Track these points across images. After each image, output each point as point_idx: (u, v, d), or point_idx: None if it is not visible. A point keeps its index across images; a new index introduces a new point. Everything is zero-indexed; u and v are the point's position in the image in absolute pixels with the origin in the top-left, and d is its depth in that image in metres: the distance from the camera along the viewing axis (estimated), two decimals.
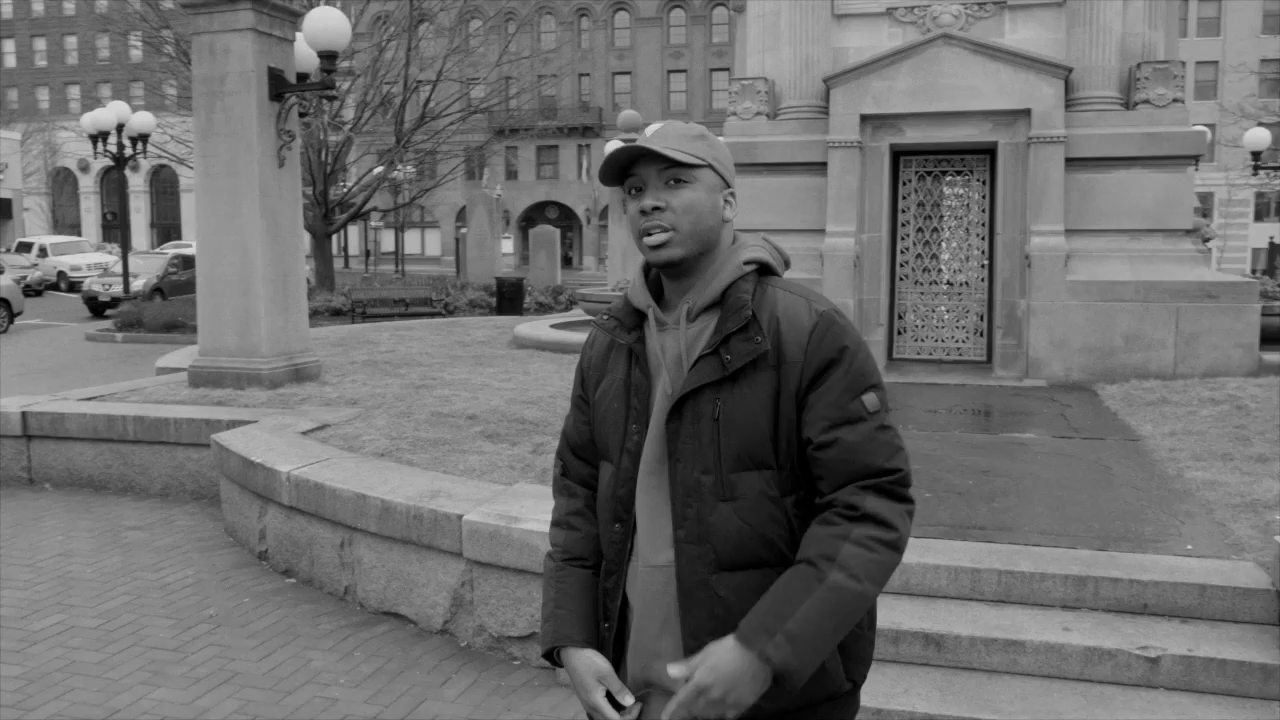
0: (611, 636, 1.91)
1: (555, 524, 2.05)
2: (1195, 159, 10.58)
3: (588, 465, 2.01)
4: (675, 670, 1.69)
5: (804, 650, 1.65)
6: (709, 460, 1.77)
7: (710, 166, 1.83)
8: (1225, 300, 9.89)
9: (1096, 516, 5.40)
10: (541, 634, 1.98)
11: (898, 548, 1.72)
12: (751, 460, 1.77)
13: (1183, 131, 10.37)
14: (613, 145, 15.89)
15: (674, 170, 1.79)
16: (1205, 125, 11.79)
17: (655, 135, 1.83)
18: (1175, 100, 10.40)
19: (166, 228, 64.78)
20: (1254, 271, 39.33)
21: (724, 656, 1.66)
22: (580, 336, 12.14)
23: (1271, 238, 41.96)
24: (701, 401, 1.77)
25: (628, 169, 1.83)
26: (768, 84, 11.54)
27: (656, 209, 1.78)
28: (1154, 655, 4.09)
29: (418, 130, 26.88)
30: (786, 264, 1.92)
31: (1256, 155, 17.56)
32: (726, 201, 1.86)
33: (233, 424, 7.36)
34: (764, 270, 1.86)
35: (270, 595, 5.66)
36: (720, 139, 1.90)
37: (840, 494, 1.73)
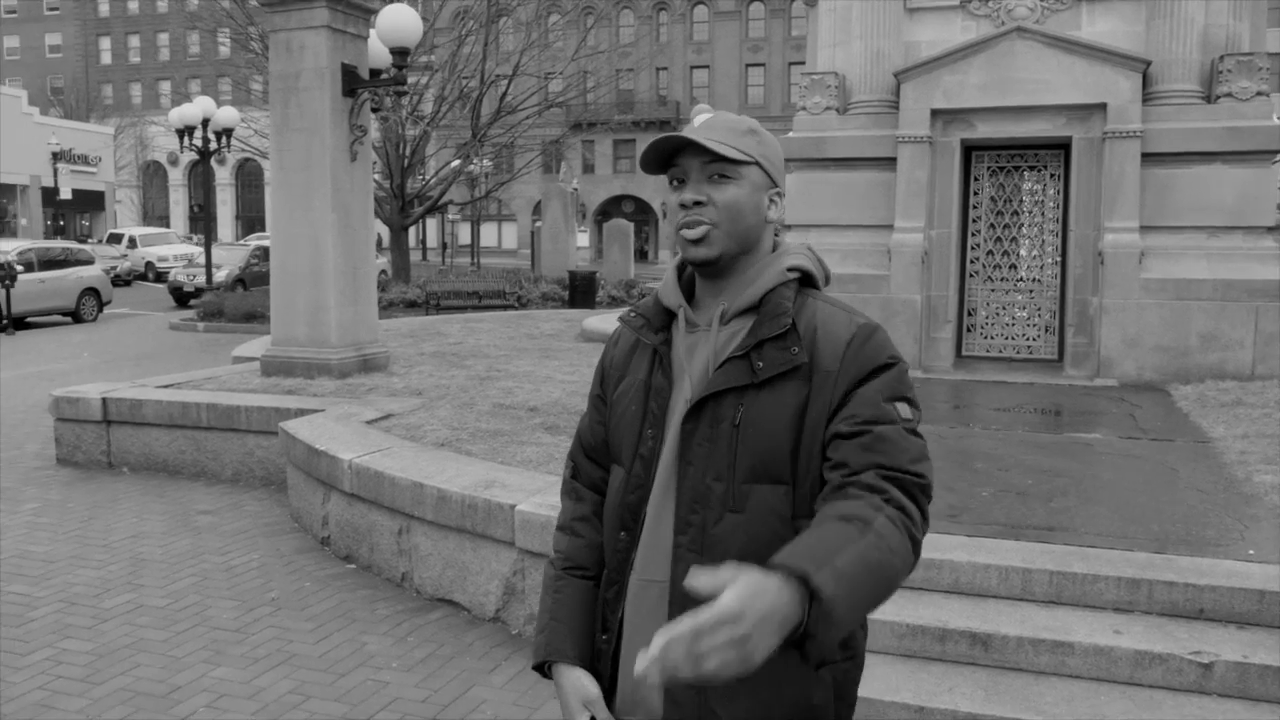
0: (610, 650, 1.80)
1: (560, 528, 1.95)
2: (1278, 153, 10.23)
3: (599, 468, 1.92)
4: (697, 581, 1.30)
5: (849, 595, 1.37)
6: (722, 467, 1.67)
7: (758, 164, 1.74)
8: None
9: (1157, 519, 5.30)
10: (534, 645, 1.87)
11: (918, 552, 1.55)
12: (767, 473, 1.66)
13: (1266, 126, 10.03)
14: None
15: (719, 165, 1.71)
16: None
17: (702, 126, 1.74)
18: (1259, 94, 10.06)
19: (251, 220, 66.56)
20: None
21: (761, 582, 1.30)
22: None
23: None
24: (723, 405, 1.68)
25: (672, 158, 1.74)
26: (838, 78, 11.46)
27: (697, 203, 1.71)
28: (1207, 661, 4.01)
29: (494, 124, 27.17)
30: (827, 278, 1.84)
31: None
32: (772, 201, 1.77)
33: (300, 412, 7.58)
34: (805, 281, 1.78)
35: (330, 580, 5.82)
36: (771, 135, 1.81)
37: (862, 475, 1.56)
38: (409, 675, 4.55)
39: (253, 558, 6.21)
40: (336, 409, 7.51)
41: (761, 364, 1.68)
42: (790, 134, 11.70)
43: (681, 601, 1.58)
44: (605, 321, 13.73)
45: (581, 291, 23.43)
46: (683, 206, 1.72)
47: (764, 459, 1.66)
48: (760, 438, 1.66)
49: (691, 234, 1.71)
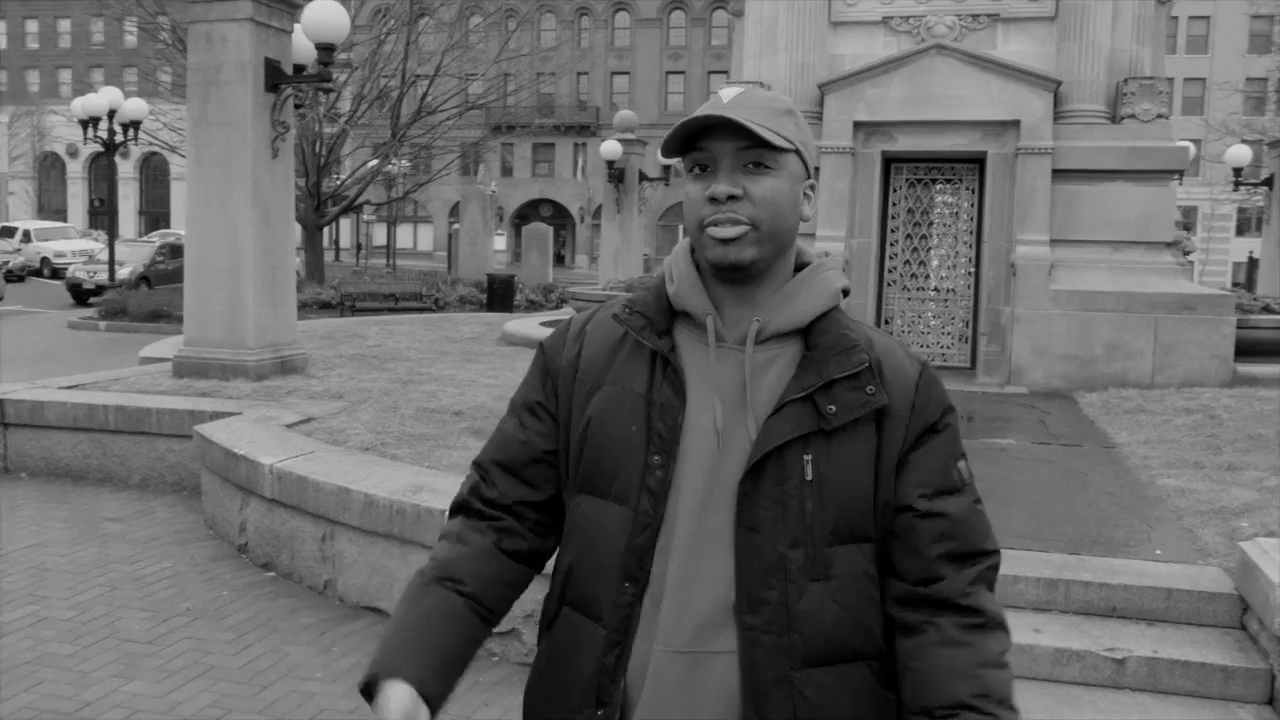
0: None
1: (443, 536, 1.62)
2: (1178, 173, 10.68)
3: (524, 486, 1.60)
4: None
5: None
6: (798, 532, 1.43)
7: (797, 151, 1.49)
8: (1202, 312, 10.00)
9: (1070, 521, 5.48)
10: (370, 662, 1.51)
11: (1008, 631, 1.50)
12: (851, 533, 1.46)
13: (1166, 146, 10.47)
14: (609, 145, 15.85)
15: (758, 151, 1.45)
16: (1191, 141, 11.93)
17: (736, 103, 1.46)
18: (1160, 116, 10.51)
19: (155, 215, 64.60)
20: (1235, 285, 39.65)
21: None
22: None
23: (1251, 252, 42.26)
24: (788, 459, 1.44)
25: (694, 140, 1.48)
26: (764, 89, 11.59)
27: (732, 198, 1.44)
28: (1120, 657, 4.17)
29: (414, 125, 26.89)
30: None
31: (1238, 171, 17.71)
32: (806, 195, 1.53)
33: (216, 415, 7.39)
34: None
35: (249, 588, 5.69)
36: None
37: (949, 588, 1.46)
38: (335, 685, 4.47)
39: (165, 566, 6.02)
40: (255, 412, 7.34)
41: (834, 408, 1.45)
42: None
43: (765, 690, 1.43)
44: (526, 325, 13.68)
45: (500, 295, 23.31)
46: (713, 200, 1.45)
47: (847, 517, 1.46)
48: (840, 493, 1.45)
49: (725, 233, 1.44)
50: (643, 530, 1.46)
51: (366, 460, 5.94)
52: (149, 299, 20.92)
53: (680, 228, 53.06)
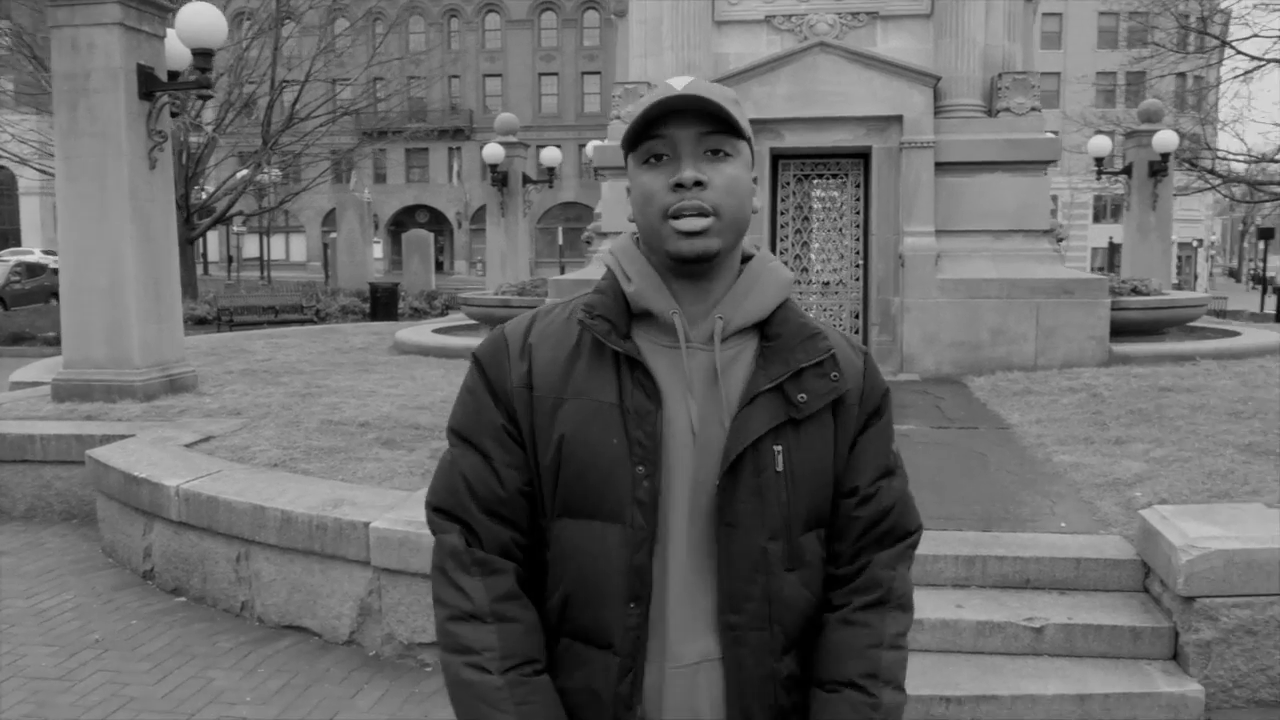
0: None
1: (474, 617, 1.43)
2: (1051, 163, 11.19)
3: (509, 528, 1.48)
4: None
5: None
6: (777, 523, 1.44)
7: (749, 140, 1.47)
8: (1080, 296, 10.50)
9: (978, 500, 5.70)
10: None
11: (911, 607, 1.59)
12: (817, 519, 1.49)
13: (1040, 138, 10.96)
14: (492, 149, 15.67)
15: (719, 138, 1.41)
16: (1051, 132, 12.49)
17: (695, 88, 1.41)
18: (1033, 109, 10.99)
19: (3, 233, 61.27)
20: (1100, 269, 41.70)
21: None
22: (466, 341, 12.07)
23: (1111, 237, 44.52)
24: (762, 450, 1.43)
25: (650, 128, 1.42)
26: (649, 88, 11.70)
27: (698, 184, 1.39)
28: (1038, 625, 4.36)
29: (285, 132, 26.18)
30: None
31: (1099, 161, 18.63)
32: (753, 188, 1.49)
33: (107, 439, 7.07)
34: None
35: (160, 615, 5.47)
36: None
37: (874, 566, 1.52)
38: (266, 708, 4.34)
39: (65, 598, 5.75)
40: (149, 433, 7.06)
41: (804, 396, 1.45)
42: (604, 142, 11.85)
43: (752, 688, 1.45)
44: (418, 333, 13.47)
45: (383, 304, 22.91)
46: (678, 186, 1.39)
47: (816, 503, 1.48)
48: (810, 482, 1.47)
49: (693, 225, 1.39)
50: (640, 546, 1.41)
51: (278, 477, 5.77)
52: (8, 321, 19.89)
53: (560, 229, 52.96)
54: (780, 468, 1.43)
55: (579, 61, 58.38)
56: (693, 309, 1.47)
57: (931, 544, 4.86)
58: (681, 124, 1.40)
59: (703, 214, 1.39)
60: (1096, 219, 53.59)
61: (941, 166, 10.85)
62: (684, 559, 1.43)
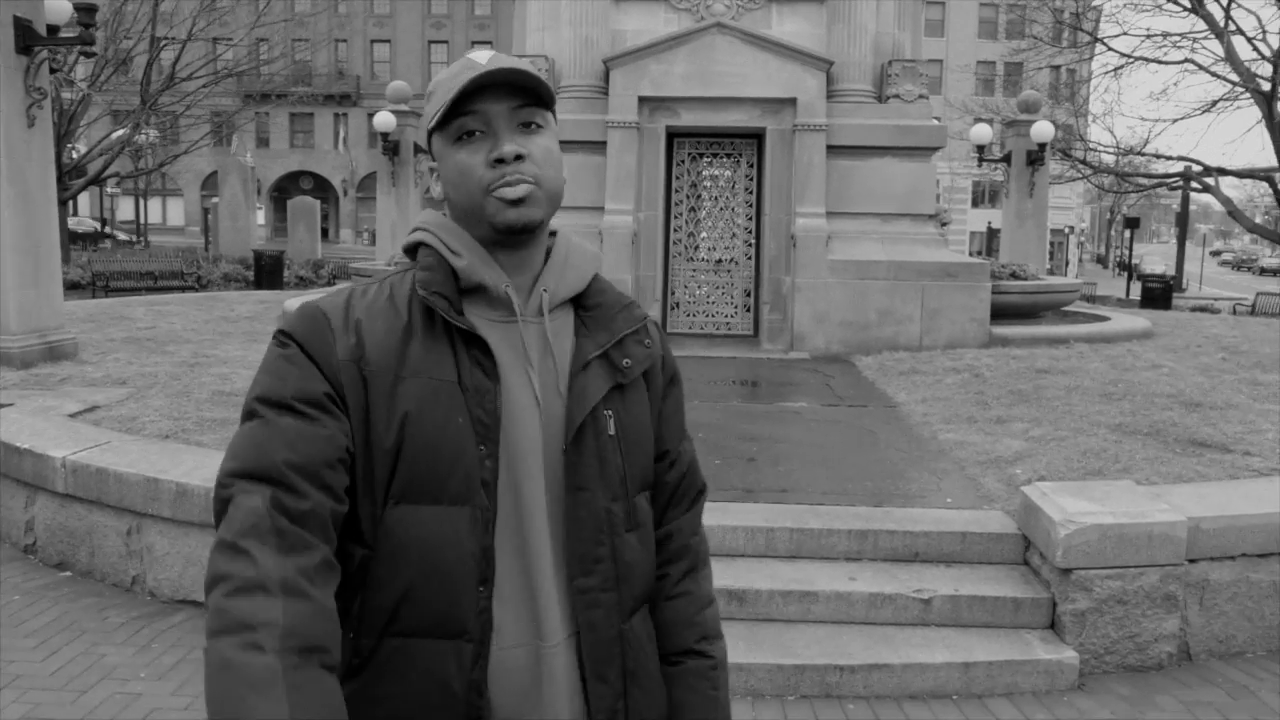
0: None
1: (259, 588, 1.19)
2: (937, 150, 11.57)
3: (333, 499, 1.32)
4: None
5: None
6: (616, 485, 1.48)
7: (553, 111, 1.51)
8: (963, 279, 10.91)
9: (868, 476, 5.92)
10: None
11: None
12: (645, 481, 1.56)
13: (927, 125, 11.32)
14: (383, 117, 15.34)
15: (530, 110, 1.43)
16: (934, 119, 12.91)
17: (500, 61, 1.42)
18: (921, 96, 11.33)
19: None
20: (978, 253, 43.22)
21: None
22: None
23: (989, 222, 46.14)
24: (598, 415, 1.47)
25: (460, 106, 1.42)
26: (548, 62, 11.65)
27: (518, 158, 1.41)
28: (926, 597, 4.58)
29: (165, 92, 25.15)
30: None
31: (980, 149, 19.29)
32: (562, 158, 1.52)
33: None
34: None
35: (44, 590, 5.30)
36: None
37: (683, 530, 1.62)
38: (162, 684, 4.27)
39: None
40: (30, 402, 6.78)
41: (629, 362, 1.51)
42: None
43: (603, 653, 1.46)
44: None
45: (268, 272, 22.28)
46: (499, 162, 1.40)
47: (643, 465, 1.54)
48: (638, 444, 1.53)
49: (515, 192, 1.40)
50: (487, 527, 1.38)
51: (172, 448, 5.64)
52: None
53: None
54: (613, 431, 1.47)
55: (470, 30, 57.47)
56: (516, 281, 1.48)
57: (825, 518, 5.05)
58: (495, 99, 1.40)
59: (526, 182, 1.41)
60: (975, 204, 55.48)
61: (833, 150, 11.12)
62: (528, 535, 1.42)
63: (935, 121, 11.57)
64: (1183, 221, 37.23)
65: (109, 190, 43.65)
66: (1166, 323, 13.80)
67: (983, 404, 7.75)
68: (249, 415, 1.35)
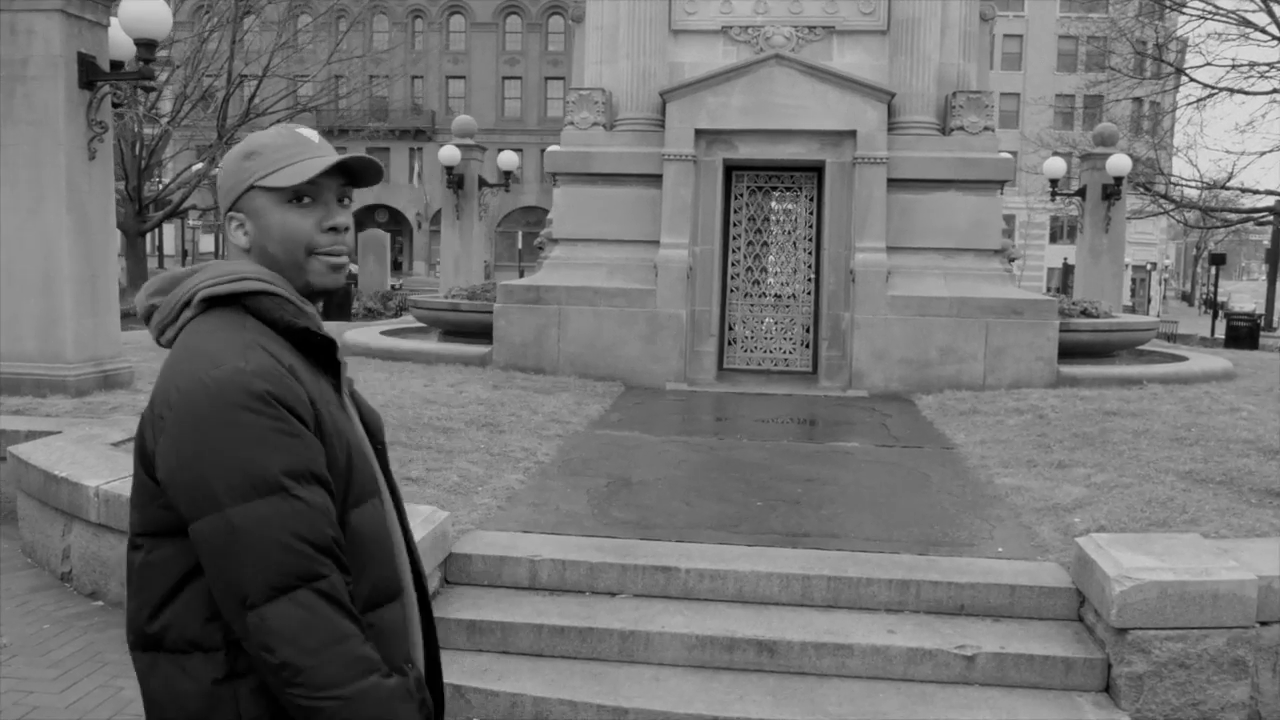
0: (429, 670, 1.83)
1: (360, 633, 1.53)
2: (1004, 183, 11.25)
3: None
4: None
5: None
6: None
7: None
8: (1029, 316, 10.55)
9: (917, 522, 5.65)
10: None
11: None
12: None
13: (993, 158, 11.02)
14: (448, 151, 15.46)
15: (348, 189, 1.69)
16: (1009, 153, 12.59)
17: (327, 146, 1.70)
18: (986, 128, 11.04)
19: None
20: (1053, 290, 42.25)
21: None
22: (414, 344, 11.92)
23: (1065, 258, 45.13)
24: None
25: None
26: (605, 95, 11.62)
27: (347, 228, 1.69)
28: (970, 654, 4.30)
29: (241, 126, 25.81)
30: None
31: (1054, 182, 18.82)
32: None
33: (32, 435, 6.84)
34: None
35: (74, 620, 5.28)
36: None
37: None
38: None
39: None
40: (76, 430, 6.83)
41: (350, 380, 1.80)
42: (557, 148, 11.75)
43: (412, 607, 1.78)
44: (365, 335, 13.23)
45: (337, 303, 22.50)
46: (333, 230, 1.66)
47: None
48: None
49: (340, 260, 1.67)
50: (384, 506, 1.71)
51: None
52: None
53: (520, 233, 52.79)
54: None
55: (543, 66, 58.24)
56: None
57: (865, 566, 4.81)
58: (333, 175, 1.64)
59: (346, 253, 1.69)
60: (1053, 239, 54.32)
61: (894, 183, 10.88)
62: (386, 498, 1.73)
63: (1002, 154, 11.26)
64: (1273, 258, 35.94)
65: (190, 223, 44.91)
66: (1250, 363, 13.21)
67: (1044, 447, 7.42)
68: (287, 487, 1.50)
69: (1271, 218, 25.88)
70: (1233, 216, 27.41)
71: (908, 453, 7.63)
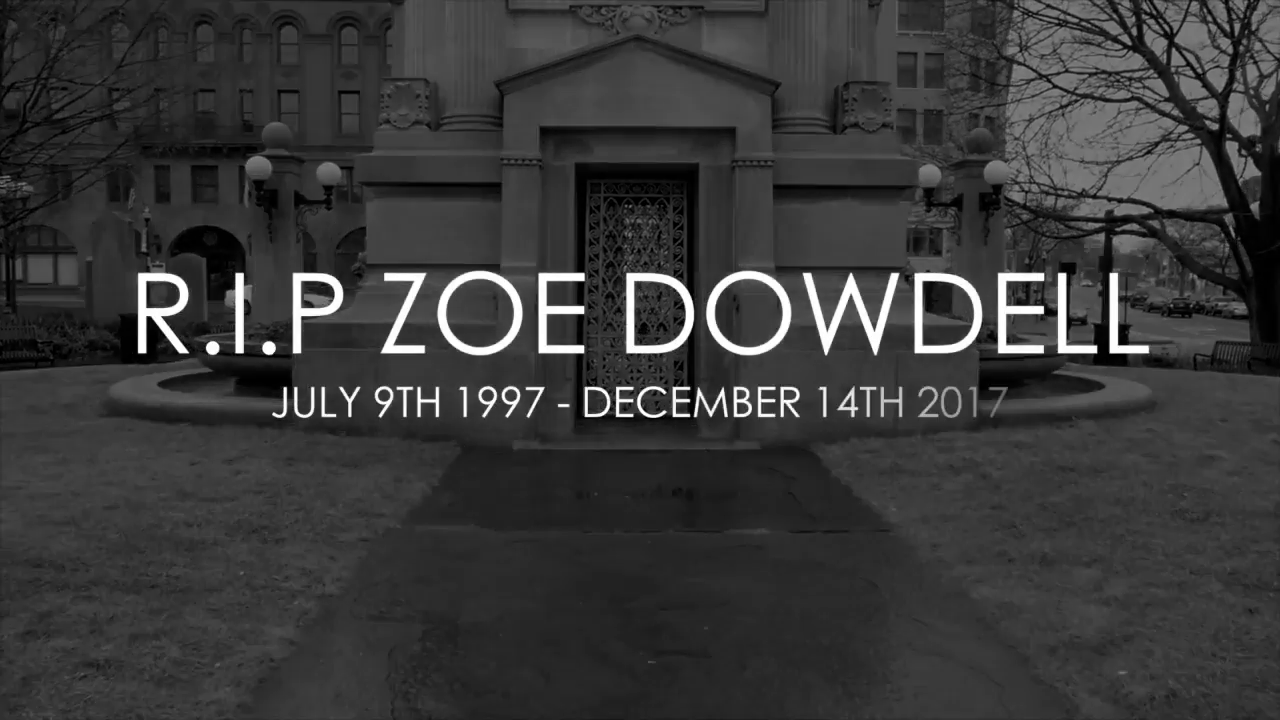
0: None
1: None
2: (905, 189, 9.61)
3: None
4: None
5: None
6: None
7: None
8: (943, 344, 8.87)
9: (881, 691, 3.73)
10: None
11: None
12: None
13: (893, 159, 9.37)
14: (257, 163, 12.70)
15: None
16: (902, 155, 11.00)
17: None
18: (884, 125, 9.38)
19: None
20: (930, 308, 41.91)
21: None
22: (195, 401, 9.52)
23: (927, 273, 44.96)
24: None
25: None
26: (429, 87, 9.47)
27: None
28: None
29: (19, 135, 22.48)
30: None
31: (929, 192, 17.54)
32: None
33: None
34: None
35: None
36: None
37: None
38: None
39: None
40: None
41: None
42: (371, 153, 9.54)
43: None
44: (137, 388, 10.50)
45: (136, 340, 19.56)
46: None
47: None
48: None
49: None
50: None
51: None
52: None
53: (360, 255, 49.68)
54: None
55: (381, 80, 55.27)
56: None
57: None
58: None
59: None
60: (913, 252, 54.32)
61: (781, 190, 9.06)
62: None
63: (905, 156, 9.60)
64: (1106, 265, 36.41)
65: None
66: (1157, 385, 11.91)
67: (1009, 526, 5.67)
68: None
69: (1135, 226, 25.64)
70: (1088, 226, 27.42)
71: (835, 542, 5.73)
